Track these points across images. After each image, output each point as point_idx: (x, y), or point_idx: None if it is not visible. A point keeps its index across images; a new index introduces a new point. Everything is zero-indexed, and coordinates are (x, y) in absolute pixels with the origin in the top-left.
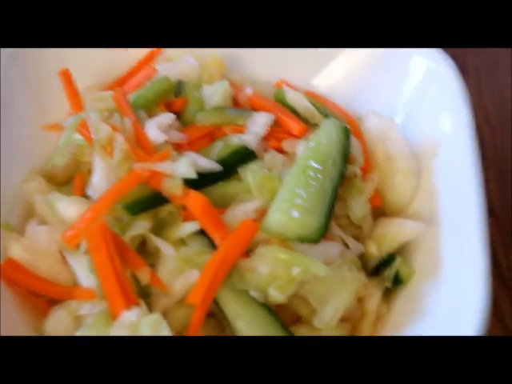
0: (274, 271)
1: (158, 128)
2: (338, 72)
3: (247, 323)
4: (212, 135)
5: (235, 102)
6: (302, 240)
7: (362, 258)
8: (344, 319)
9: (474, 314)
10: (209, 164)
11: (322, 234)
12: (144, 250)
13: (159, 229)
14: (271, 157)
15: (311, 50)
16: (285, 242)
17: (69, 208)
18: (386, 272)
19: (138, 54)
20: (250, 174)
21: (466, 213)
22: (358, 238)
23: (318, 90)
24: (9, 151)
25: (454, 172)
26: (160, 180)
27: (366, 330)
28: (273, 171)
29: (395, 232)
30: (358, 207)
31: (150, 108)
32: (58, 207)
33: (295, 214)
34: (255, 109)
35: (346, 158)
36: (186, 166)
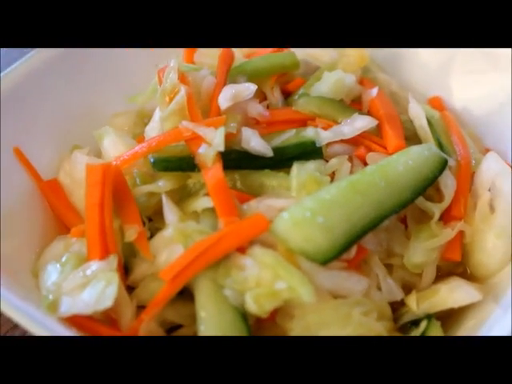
0: (259, 278)
1: (230, 95)
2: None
3: (210, 317)
4: (302, 123)
5: (358, 100)
6: (305, 255)
7: (399, 310)
8: None
9: None
10: (261, 146)
11: (330, 257)
12: None
13: (185, 197)
14: (338, 162)
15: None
16: (291, 253)
17: (112, 145)
18: (413, 333)
19: None
20: (297, 170)
21: None
22: (409, 287)
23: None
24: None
25: None
26: (198, 145)
27: None
28: (335, 178)
29: (445, 293)
30: (418, 252)
31: (256, 76)
32: (103, 142)
33: (305, 224)
34: (371, 111)
35: (422, 190)
36: (219, 136)
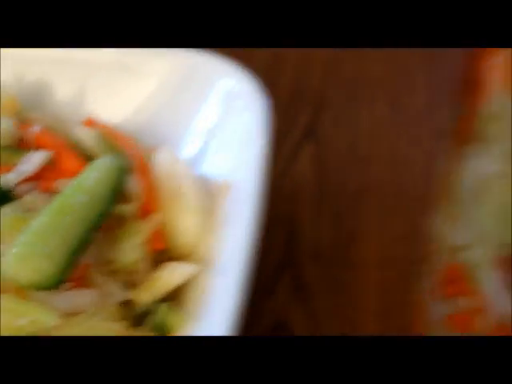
0: (6, 322)
1: None
2: (135, 102)
3: None
4: None
5: (23, 142)
6: (37, 287)
7: (130, 306)
8: None
9: None
10: None
11: (60, 280)
12: None
13: None
14: (32, 198)
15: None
16: (21, 290)
17: None
18: (151, 321)
19: None
20: None
21: (236, 255)
22: (133, 285)
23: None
24: None
25: (239, 212)
26: None
27: None
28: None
29: (167, 276)
30: (129, 251)
31: None
32: None
33: (28, 258)
34: (41, 145)
35: (114, 197)
36: None
